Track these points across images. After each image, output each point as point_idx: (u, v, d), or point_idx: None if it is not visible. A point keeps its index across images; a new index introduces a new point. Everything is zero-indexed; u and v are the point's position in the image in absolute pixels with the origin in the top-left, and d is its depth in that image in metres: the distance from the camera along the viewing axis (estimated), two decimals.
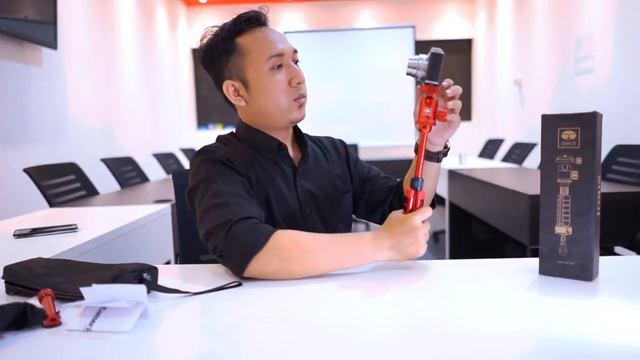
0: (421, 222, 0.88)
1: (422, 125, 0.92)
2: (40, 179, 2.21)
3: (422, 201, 0.92)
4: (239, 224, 0.86)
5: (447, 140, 1.03)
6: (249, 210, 0.90)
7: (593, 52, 3.86)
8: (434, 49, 0.90)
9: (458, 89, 0.94)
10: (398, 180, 1.22)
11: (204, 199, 0.94)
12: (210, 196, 0.93)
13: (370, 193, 1.20)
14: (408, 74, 0.92)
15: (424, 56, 0.91)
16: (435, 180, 1.09)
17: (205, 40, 1.07)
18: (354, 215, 1.22)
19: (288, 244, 0.86)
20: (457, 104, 0.94)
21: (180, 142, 6.40)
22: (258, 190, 1.02)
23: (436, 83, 0.90)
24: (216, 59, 1.05)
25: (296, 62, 1.06)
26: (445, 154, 1.05)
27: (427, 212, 0.89)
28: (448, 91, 0.93)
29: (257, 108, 1.05)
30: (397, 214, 0.91)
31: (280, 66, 1.03)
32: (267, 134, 1.08)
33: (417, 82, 0.93)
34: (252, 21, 1.04)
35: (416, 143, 1.04)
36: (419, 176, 0.91)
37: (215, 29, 1.06)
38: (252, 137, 1.08)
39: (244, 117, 1.10)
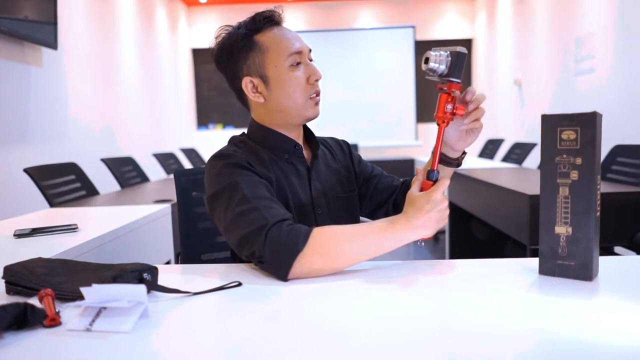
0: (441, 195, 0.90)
1: (442, 120, 0.95)
2: (40, 179, 2.21)
3: None
4: (275, 228, 0.87)
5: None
6: (280, 213, 0.91)
7: (593, 52, 3.86)
8: (459, 48, 0.93)
9: (482, 97, 0.97)
10: (402, 179, 1.23)
11: (231, 205, 0.93)
12: (237, 202, 0.92)
13: (374, 191, 1.21)
14: (429, 68, 0.93)
15: (445, 53, 0.92)
16: None
17: (220, 39, 1.07)
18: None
19: (327, 239, 0.87)
20: (480, 112, 0.97)
21: (180, 142, 6.40)
22: (278, 192, 1.03)
23: (459, 81, 0.94)
24: (234, 56, 1.06)
25: (311, 60, 1.08)
26: (459, 164, 1.06)
27: (445, 183, 0.91)
28: (467, 97, 0.96)
29: (275, 104, 1.06)
30: (418, 193, 0.92)
31: (298, 63, 1.04)
32: (283, 134, 1.08)
33: (435, 77, 0.95)
34: (270, 19, 1.05)
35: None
36: (435, 168, 0.94)
37: (229, 28, 1.07)
38: (267, 138, 1.08)
39: (258, 116, 1.10)
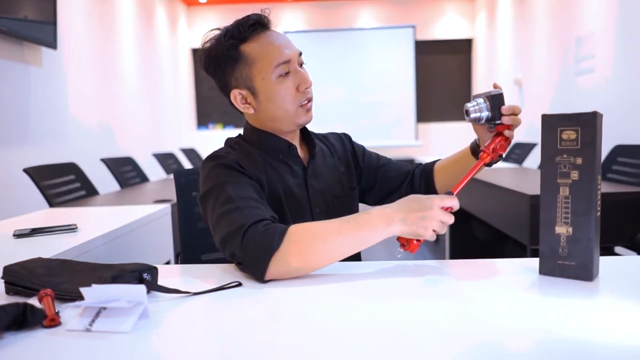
0: (440, 208, 0.85)
1: (485, 154, 0.98)
2: (40, 179, 2.21)
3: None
4: (252, 228, 0.86)
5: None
6: (261, 213, 0.90)
7: (593, 52, 3.86)
8: (493, 91, 0.96)
9: (516, 108, 0.96)
10: (417, 163, 1.24)
11: (217, 206, 0.93)
12: (222, 202, 0.92)
13: (383, 179, 1.21)
14: (474, 119, 0.97)
15: (480, 100, 0.97)
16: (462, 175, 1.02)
17: (207, 45, 1.04)
18: (364, 204, 1.23)
19: (302, 237, 0.85)
20: (517, 121, 0.97)
21: (180, 142, 6.40)
22: (270, 192, 1.02)
23: (506, 122, 0.96)
24: (221, 67, 1.03)
25: (301, 64, 1.05)
26: (491, 164, 1.03)
27: (451, 199, 0.87)
28: (505, 108, 0.96)
29: (265, 115, 1.05)
30: (419, 194, 0.90)
31: (287, 73, 1.02)
32: (277, 136, 1.08)
33: (484, 122, 0.99)
34: (256, 27, 1.02)
35: (475, 141, 1.12)
36: (455, 193, 0.92)
37: (216, 33, 1.03)
38: (261, 140, 1.08)
39: (251, 122, 1.10)
